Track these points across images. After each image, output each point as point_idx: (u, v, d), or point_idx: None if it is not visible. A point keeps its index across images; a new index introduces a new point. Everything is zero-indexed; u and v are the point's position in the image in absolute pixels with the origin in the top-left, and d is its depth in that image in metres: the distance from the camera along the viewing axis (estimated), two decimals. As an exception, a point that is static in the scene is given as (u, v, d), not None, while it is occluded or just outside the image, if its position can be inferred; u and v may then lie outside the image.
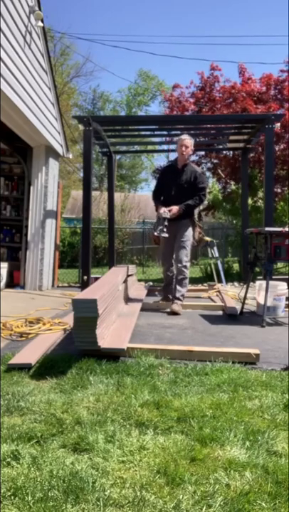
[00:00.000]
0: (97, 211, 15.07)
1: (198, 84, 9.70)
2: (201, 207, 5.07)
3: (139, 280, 7.71)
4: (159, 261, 8.29)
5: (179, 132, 6.92)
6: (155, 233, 4.52)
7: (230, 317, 4.33)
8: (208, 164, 10.17)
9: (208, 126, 7.61)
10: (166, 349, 2.74)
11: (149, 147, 16.69)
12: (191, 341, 3.16)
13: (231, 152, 9.28)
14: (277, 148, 8.55)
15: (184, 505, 1.22)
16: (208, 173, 10.21)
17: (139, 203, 18.96)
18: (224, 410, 1.87)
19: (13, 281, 7.00)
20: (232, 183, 9.85)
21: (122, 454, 1.51)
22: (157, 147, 15.98)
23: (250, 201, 8.81)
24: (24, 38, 5.55)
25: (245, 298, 4.52)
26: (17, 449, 1.50)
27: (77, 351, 2.65)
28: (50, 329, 3.39)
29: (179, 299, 4.55)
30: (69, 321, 3.49)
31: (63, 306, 4.96)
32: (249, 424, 1.75)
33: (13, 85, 5.12)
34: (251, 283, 5.03)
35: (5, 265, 6.78)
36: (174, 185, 4.68)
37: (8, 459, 1.45)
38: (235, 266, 10.25)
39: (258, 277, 5.19)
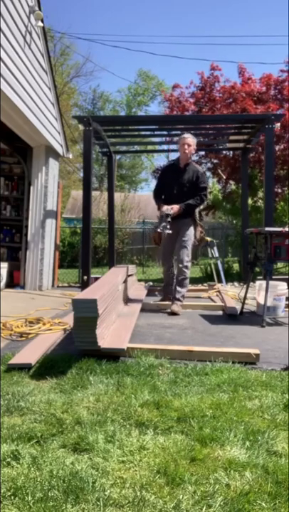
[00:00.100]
0: (97, 211, 15.06)
1: (198, 84, 9.72)
2: (201, 206, 5.05)
3: (139, 280, 7.71)
4: (159, 261, 8.27)
5: (179, 132, 6.92)
6: (158, 230, 4.49)
7: (230, 317, 4.33)
8: (208, 164, 10.17)
9: (208, 126, 7.61)
10: (166, 349, 2.74)
11: (149, 147, 16.70)
12: (191, 341, 3.16)
13: (231, 152, 9.28)
14: (277, 148, 8.55)
15: (184, 505, 1.22)
16: (208, 173, 10.20)
17: (139, 203, 18.93)
18: (224, 410, 1.87)
19: (13, 281, 7.00)
20: (232, 183, 9.86)
21: (122, 454, 1.51)
22: (157, 147, 15.98)
23: (250, 201, 8.81)
24: (24, 38, 5.55)
25: (245, 298, 4.52)
26: (17, 449, 1.50)
27: (77, 351, 2.65)
28: (50, 329, 3.39)
29: (178, 299, 4.54)
30: (69, 321, 3.49)
31: (63, 306, 4.96)
32: (249, 424, 1.75)
33: (13, 85, 5.12)
34: (251, 283, 5.03)
35: (5, 265, 6.78)
36: (176, 184, 4.65)
37: (8, 459, 1.45)
38: (235, 266, 10.25)
39: (258, 277, 5.19)
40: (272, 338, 3.35)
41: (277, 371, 2.46)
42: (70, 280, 9.11)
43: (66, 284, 8.18)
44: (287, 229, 3.96)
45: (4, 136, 6.66)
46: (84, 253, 6.09)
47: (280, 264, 7.42)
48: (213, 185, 10.79)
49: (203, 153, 9.82)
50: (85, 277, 5.83)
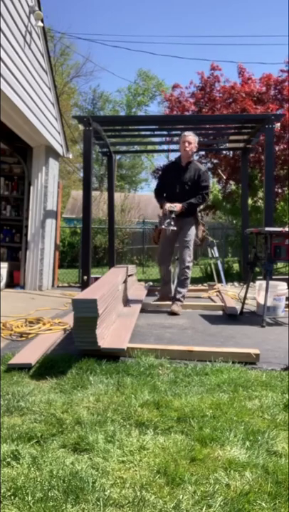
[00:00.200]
0: (97, 211, 15.06)
1: (198, 84, 9.71)
2: (202, 206, 5.05)
3: (139, 280, 7.71)
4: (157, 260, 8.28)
5: (179, 132, 6.92)
6: (163, 226, 4.48)
7: (230, 317, 4.33)
8: (209, 164, 10.17)
9: (208, 126, 7.61)
10: (166, 349, 2.74)
11: (149, 147, 16.69)
12: (191, 341, 3.16)
13: (231, 152, 9.28)
14: (277, 149, 8.55)
15: (184, 505, 1.22)
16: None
17: (139, 203, 18.92)
18: (224, 410, 1.87)
19: (13, 281, 7.00)
20: (232, 183, 9.85)
21: (122, 454, 1.51)
22: (157, 147, 15.97)
23: (250, 201, 8.81)
24: (24, 38, 5.55)
25: (245, 298, 4.52)
26: (17, 449, 1.50)
27: (77, 351, 2.65)
28: (50, 329, 3.39)
29: (179, 299, 4.54)
30: (69, 321, 3.49)
31: (63, 306, 4.96)
32: (249, 424, 1.75)
33: (13, 85, 5.12)
34: (251, 283, 5.03)
35: (5, 265, 6.78)
36: (178, 183, 4.62)
37: (8, 459, 1.45)
38: (235, 266, 10.25)
39: (258, 277, 5.19)
40: (272, 338, 3.35)
41: (277, 371, 2.46)
42: (70, 280, 9.11)
43: (66, 284, 8.18)
44: (287, 229, 3.96)
45: (4, 136, 6.66)
46: (84, 253, 6.09)
47: (280, 264, 7.43)
48: (213, 185, 10.80)
49: (203, 153, 9.82)
50: (85, 277, 5.82)
